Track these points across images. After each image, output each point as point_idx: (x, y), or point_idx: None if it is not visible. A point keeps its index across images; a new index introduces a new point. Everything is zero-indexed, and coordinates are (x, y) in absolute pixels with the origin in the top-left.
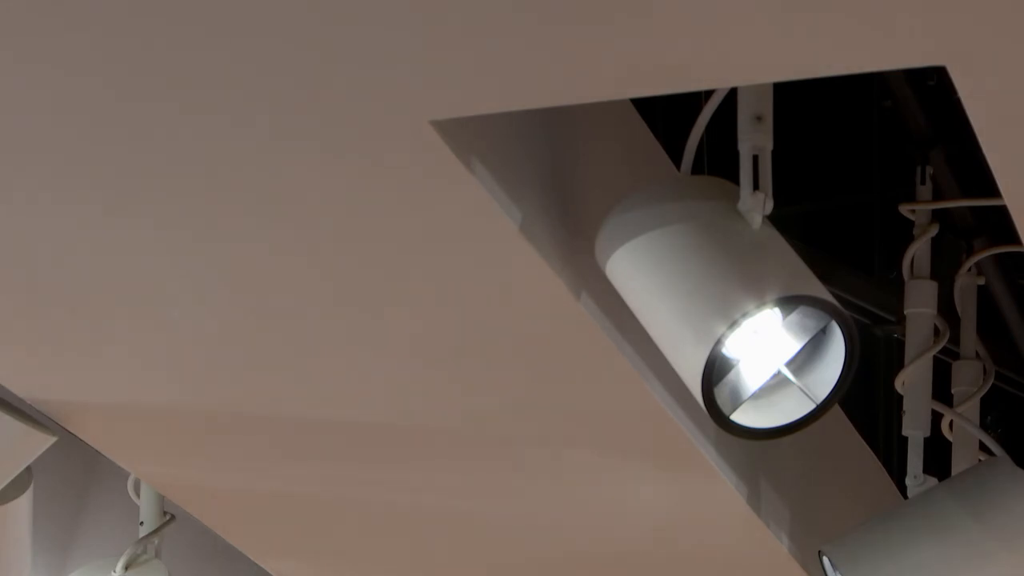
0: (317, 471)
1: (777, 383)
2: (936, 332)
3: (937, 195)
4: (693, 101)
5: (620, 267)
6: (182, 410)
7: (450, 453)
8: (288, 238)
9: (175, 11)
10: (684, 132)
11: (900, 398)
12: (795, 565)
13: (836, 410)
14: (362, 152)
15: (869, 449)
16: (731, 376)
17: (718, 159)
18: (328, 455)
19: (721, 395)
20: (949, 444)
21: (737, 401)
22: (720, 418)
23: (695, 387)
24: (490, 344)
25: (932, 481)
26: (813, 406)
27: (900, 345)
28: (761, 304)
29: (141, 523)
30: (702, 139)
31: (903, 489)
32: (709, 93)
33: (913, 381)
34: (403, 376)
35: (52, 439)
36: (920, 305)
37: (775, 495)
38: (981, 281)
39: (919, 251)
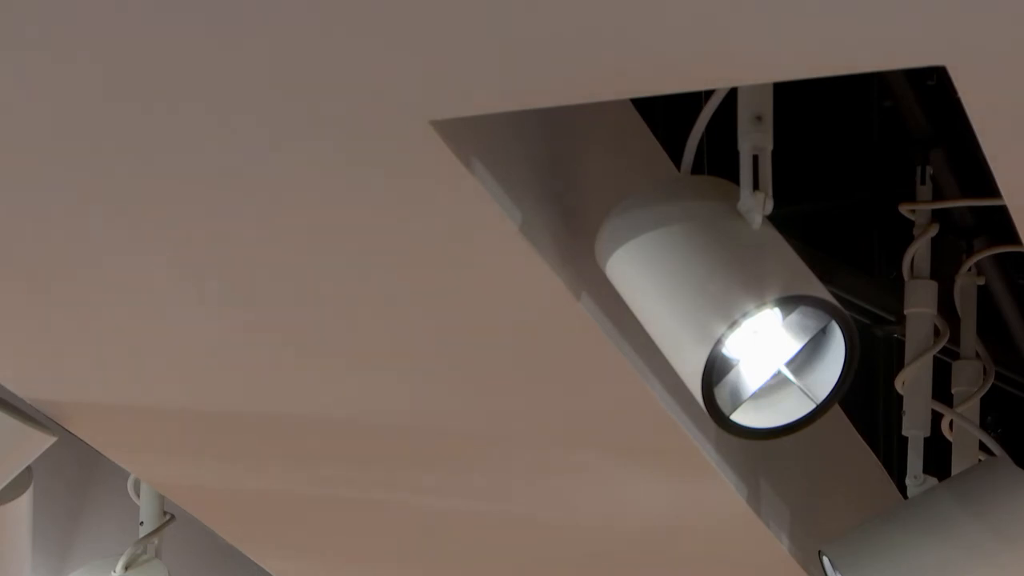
0: (317, 471)
1: (777, 383)
2: (936, 332)
3: (937, 195)
4: (693, 101)
5: (620, 267)
6: (182, 410)
7: (449, 453)
8: (288, 238)
9: (175, 9)
10: (684, 132)
11: (900, 398)
12: (795, 565)
13: (836, 410)
14: (362, 152)
15: (869, 449)
16: (731, 376)
17: (718, 159)
18: (328, 455)
19: (721, 395)
20: (949, 444)
21: (737, 401)
22: (720, 418)
23: (695, 387)
24: (490, 344)
25: (932, 481)
26: (813, 406)
27: (900, 345)
28: (761, 304)
29: (141, 523)
30: (702, 139)
31: (903, 489)
32: (709, 93)
33: (913, 381)
34: (402, 376)
35: (52, 439)
36: (920, 305)
37: (775, 495)
38: (981, 281)
39: (919, 251)
